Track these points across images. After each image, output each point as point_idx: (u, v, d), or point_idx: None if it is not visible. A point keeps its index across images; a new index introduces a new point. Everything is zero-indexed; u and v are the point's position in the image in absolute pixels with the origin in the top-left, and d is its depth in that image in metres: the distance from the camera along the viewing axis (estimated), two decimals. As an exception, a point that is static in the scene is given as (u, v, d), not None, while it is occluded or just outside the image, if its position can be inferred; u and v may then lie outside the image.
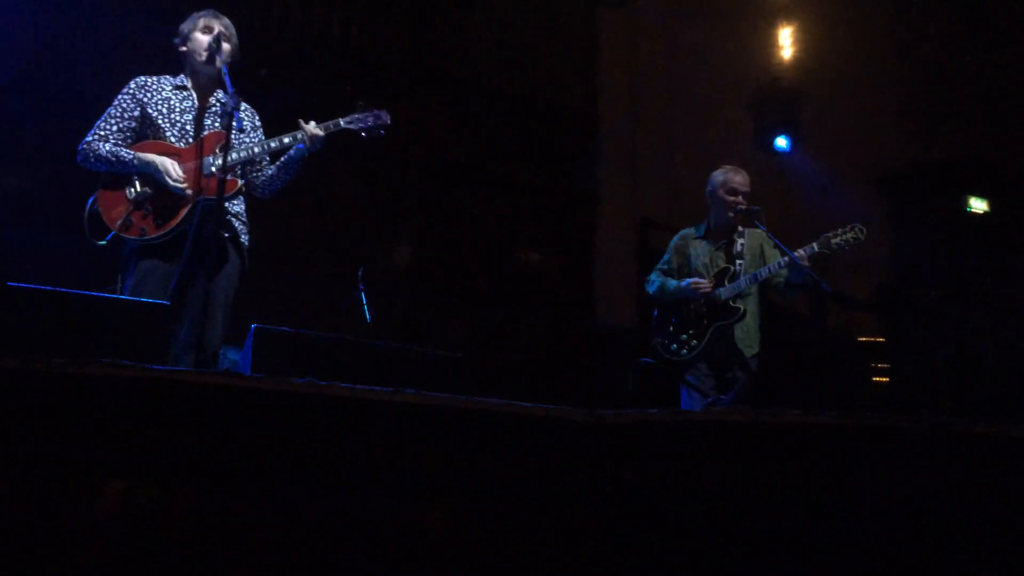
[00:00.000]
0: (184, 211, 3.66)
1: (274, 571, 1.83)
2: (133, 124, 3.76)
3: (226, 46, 3.80)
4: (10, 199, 5.80)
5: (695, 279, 4.69)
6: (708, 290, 4.63)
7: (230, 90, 3.57)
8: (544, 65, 8.01)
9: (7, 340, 2.61)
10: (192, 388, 1.94)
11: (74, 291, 2.89)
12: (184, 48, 3.87)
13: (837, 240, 4.53)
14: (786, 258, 4.53)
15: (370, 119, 3.92)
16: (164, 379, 1.94)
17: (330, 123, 3.87)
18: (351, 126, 3.91)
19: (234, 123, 3.49)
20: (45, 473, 1.79)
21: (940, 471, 1.96)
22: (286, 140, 3.82)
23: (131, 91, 3.80)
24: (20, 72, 5.77)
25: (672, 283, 4.79)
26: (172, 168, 3.65)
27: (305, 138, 3.79)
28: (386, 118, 3.94)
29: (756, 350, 4.74)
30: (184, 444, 1.88)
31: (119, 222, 3.61)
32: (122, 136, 3.74)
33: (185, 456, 1.87)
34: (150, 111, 3.77)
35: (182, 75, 3.90)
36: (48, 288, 2.85)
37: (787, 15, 8.27)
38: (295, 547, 1.84)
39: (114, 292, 3.70)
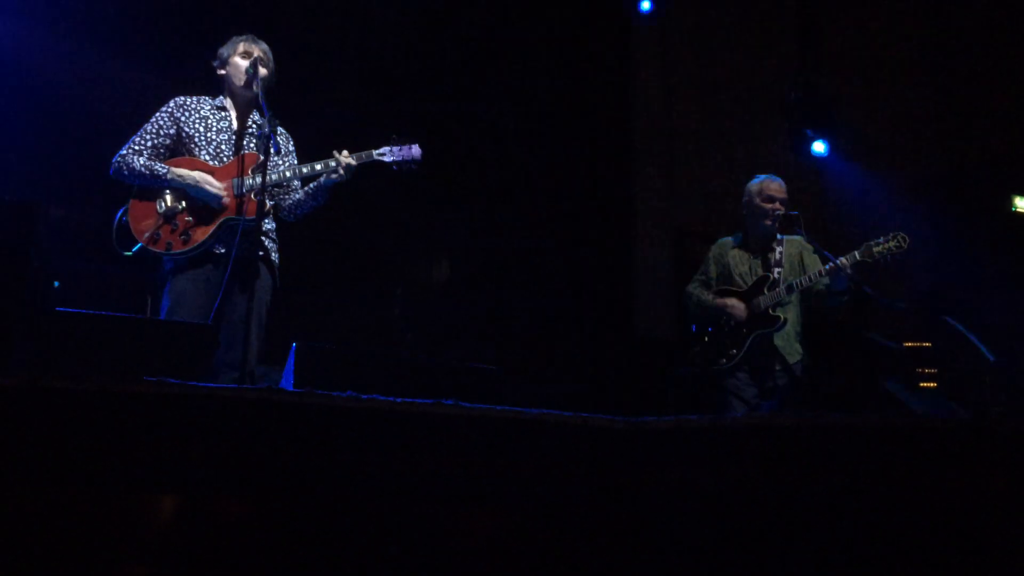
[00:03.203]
0: (211, 229, 3.72)
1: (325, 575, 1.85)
2: (168, 141, 3.84)
3: (263, 71, 3.87)
4: (56, 229, 5.94)
5: (732, 301, 4.67)
6: (743, 317, 4.62)
7: (267, 114, 3.65)
8: (579, 78, 8.03)
9: (58, 363, 2.68)
10: (238, 405, 1.97)
11: (120, 314, 2.97)
12: (223, 72, 3.96)
13: (879, 249, 4.45)
14: (827, 266, 4.48)
15: (402, 152, 3.97)
16: (211, 396, 1.98)
17: (363, 154, 3.93)
18: (383, 158, 3.96)
19: (271, 146, 3.57)
20: (99, 489, 1.83)
21: (989, 472, 1.93)
22: (317, 167, 3.88)
23: (169, 109, 3.88)
24: (62, 104, 5.92)
25: (709, 300, 4.77)
26: (211, 178, 3.73)
27: (337, 167, 3.85)
28: (418, 153, 3.99)
29: (798, 358, 4.69)
30: (233, 459, 1.92)
31: (147, 235, 3.68)
32: (156, 152, 3.81)
33: (233, 471, 1.91)
34: (187, 129, 3.84)
35: (221, 96, 3.98)
36: (96, 312, 2.92)
37: (820, 18, 8.21)
38: (341, 555, 1.87)
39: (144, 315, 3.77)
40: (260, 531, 1.86)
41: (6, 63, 5.72)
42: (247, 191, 3.75)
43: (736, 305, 4.64)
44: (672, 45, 8.38)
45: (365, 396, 2.04)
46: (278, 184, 3.92)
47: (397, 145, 3.98)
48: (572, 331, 7.44)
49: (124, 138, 3.85)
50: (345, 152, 3.89)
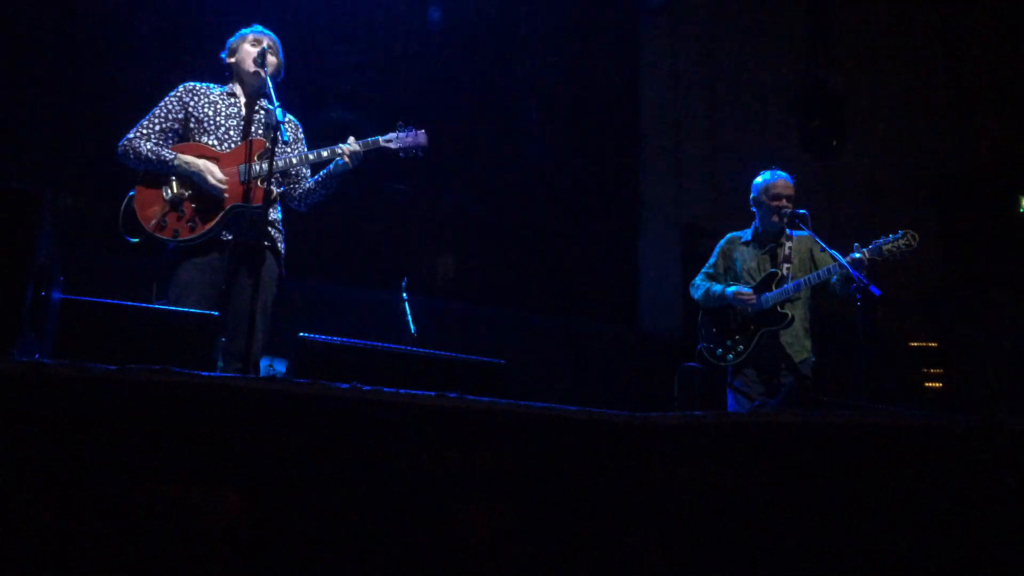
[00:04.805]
0: (218, 216, 3.70)
1: (324, 571, 1.85)
2: (176, 126, 3.82)
3: (272, 59, 3.88)
4: (65, 217, 5.94)
5: (740, 289, 4.63)
6: (754, 302, 4.58)
7: (275, 102, 3.65)
8: (587, 72, 8.02)
9: (63, 350, 2.68)
10: (241, 394, 1.97)
11: (127, 303, 2.96)
12: (231, 60, 3.95)
13: (888, 247, 4.42)
14: (835, 264, 4.45)
15: (408, 139, 3.96)
16: (215, 385, 1.97)
17: (369, 140, 3.92)
18: (390, 145, 3.95)
19: (278, 134, 3.56)
20: (101, 478, 1.83)
21: (999, 474, 1.91)
22: (324, 153, 3.87)
23: (178, 94, 3.87)
24: (72, 95, 5.93)
25: (717, 288, 4.73)
26: (214, 169, 3.71)
27: (344, 153, 3.83)
28: (424, 139, 3.97)
29: (805, 355, 4.66)
30: (233, 449, 1.91)
31: (153, 221, 3.65)
32: (163, 137, 3.79)
33: (234, 460, 1.90)
34: (195, 114, 3.82)
35: (230, 84, 3.98)
36: (100, 300, 2.92)
37: (831, 13, 8.18)
38: (343, 547, 1.86)
39: (150, 302, 3.75)
40: (263, 521, 1.86)
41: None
42: (253, 178, 3.74)
43: (745, 294, 4.60)
44: (681, 39, 8.36)
45: (368, 387, 2.02)
46: (285, 171, 3.91)
47: (403, 131, 3.97)
48: (578, 325, 7.44)
49: (132, 124, 3.85)
50: (351, 139, 3.89)
